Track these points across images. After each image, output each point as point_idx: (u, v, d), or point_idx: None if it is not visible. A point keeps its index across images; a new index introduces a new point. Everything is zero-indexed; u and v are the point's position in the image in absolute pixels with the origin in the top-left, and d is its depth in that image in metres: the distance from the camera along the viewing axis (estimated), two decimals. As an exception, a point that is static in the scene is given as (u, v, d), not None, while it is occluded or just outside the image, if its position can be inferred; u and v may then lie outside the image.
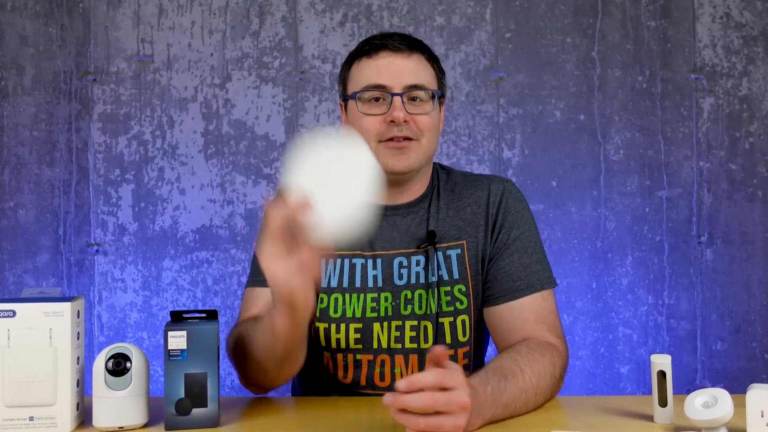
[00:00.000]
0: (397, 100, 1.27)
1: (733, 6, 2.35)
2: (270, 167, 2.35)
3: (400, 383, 0.91)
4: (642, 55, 2.35)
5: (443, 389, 0.93)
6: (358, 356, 1.32)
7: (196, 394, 1.05)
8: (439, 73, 1.37)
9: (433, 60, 1.36)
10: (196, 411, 1.06)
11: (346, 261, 1.33)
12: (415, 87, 1.29)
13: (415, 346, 1.31)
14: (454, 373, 0.95)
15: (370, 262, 1.33)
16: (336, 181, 0.96)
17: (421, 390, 0.92)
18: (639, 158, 2.35)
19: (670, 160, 2.35)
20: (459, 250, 1.33)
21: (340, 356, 1.33)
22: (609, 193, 2.34)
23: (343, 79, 1.37)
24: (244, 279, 2.32)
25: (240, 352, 1.20)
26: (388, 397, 0.91)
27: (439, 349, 0.95)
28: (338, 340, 1.32)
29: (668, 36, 2.36)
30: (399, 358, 1.32)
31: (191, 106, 2.36)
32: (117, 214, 2.35)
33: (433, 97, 1.31)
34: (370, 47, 1.31)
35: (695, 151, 2.35)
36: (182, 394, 1.05)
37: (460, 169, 1.46)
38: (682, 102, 2.35)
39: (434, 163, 1.43)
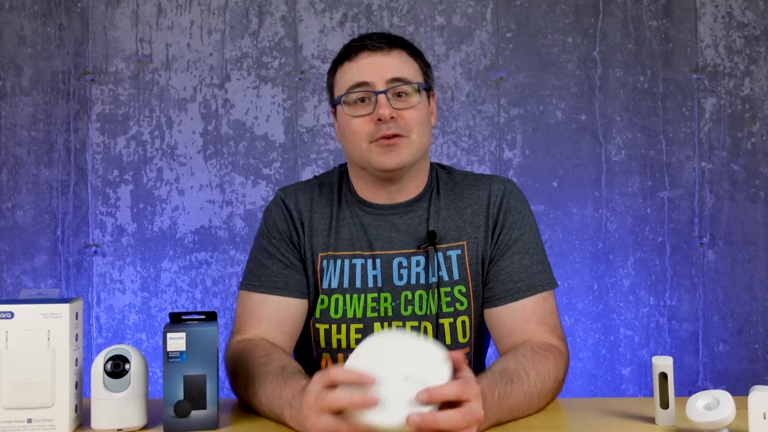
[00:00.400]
0: (381, 97, 1.26)
1: (735, 6, 2.34)
2: (269, 168, 2.34)
3: (421, 395, 0.89)
4: (643, 55, 2.34)
5: (461, 401, 0.92)
6: None
7: (195, 396, 1.04)
8: (424, 66, 1.35)
9: (415, 54, 1.34)
10: (195, 413, 1.05)
11: (346, 261, 1.33)
12: (398, 80, 1.28)
13: None
14: (471, 384, 0.94)
15: (369, 262, 1.32)
16: (403, 382, 0.92)
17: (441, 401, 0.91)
18: (640, 159, 2.33)
19: (672, 160, 2.33)
20: (459, 251, 1.31)
21: (340, 356, 1.32)
22: (610, 193, 2.33)
23: (330, 86, 1.37)
24: (243, 280, 2.31)
25: (239, 381, 1.19)
26: (415, 417, 0.88)
27: (457, 355, 0.94)
28: (339, 341, 1.31)
29: (670, 36, 2.35)
30: None
31: (190, 107, 2.35)
32: (115, 215, 2.33)
33: (418, 90, 1.30)
34: (350, 50, 1.31)
35: (697, 152, 2.33)
36: (181, 396, 1.04)
37: (461, 169, 1.45)
38: (684, 102, 2.34)
39: (434, 162, 1.42)
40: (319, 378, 0.96)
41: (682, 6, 2.35)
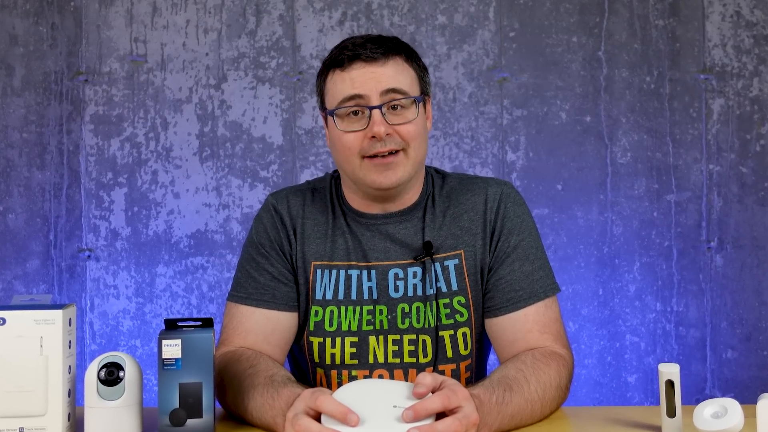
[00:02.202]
0: (376, 113, 1.21)
1: (743, 4, 2.29)
2: (267, 170, 2.29)
3: (407, 414, 0.92)
4: (650, 55, 2.29)
5: (454, 409, 0.94)
6: (354, 372, 1.28)
7: (190, 404, 1.04)
8: (421, 71, 1.30)
9: (411, 59, 1.29)
10: (190, 422, 1.04)
11: (342, 272, 1.29)
12: (394, 90, 1.22)
13: (414, 360, 1.27)
14: (456, 391, 0.95)
15: (364, 273, 1.28)
16: (392, 408, 0.95)
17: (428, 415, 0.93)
18: (647, 161, 2.29)
19: (679, 162, 2.29)
20: (457, 261, 1.28)
21: (334, 373, 1.29)
22: (616, 196, 2.28)
23: (320, 90, 1.31)
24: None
25: (227, 393, 1.17)
26: (414, 431, 0.90)
27: (421, 388, 0.96)
28: (333, 355, 1.28)
29: (677, 35, 2.30)
30: (398, 373, 1.28)
31: (186, 108, 2.30)
32: (109, 219, 2.29)
33: (415, 102, 1.25)
34: (342, 58, 1.24)
35: (705, 154, 2.29)
36: (177, 404, 1.04)
37: (456, 172, 1.41)
38: (692, 103, 2.29)
39: (428, 167, 1.37)
40: (306, 398, 0.97)
41: (690, 5, 2.30)
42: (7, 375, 1.05)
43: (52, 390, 1.06)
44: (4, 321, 1.05)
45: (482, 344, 1.33)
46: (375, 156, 1.22)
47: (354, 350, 1.27)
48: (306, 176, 2.29)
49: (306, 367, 1.33)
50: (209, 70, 2.31)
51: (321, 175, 1.45)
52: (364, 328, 1.27)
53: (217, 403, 1.11)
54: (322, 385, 1.30)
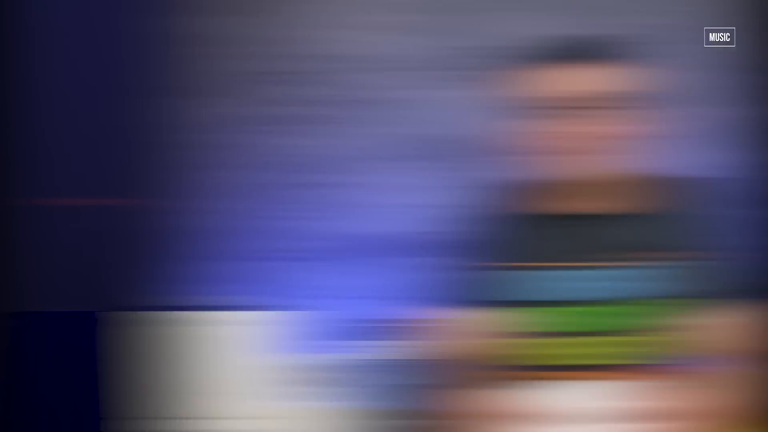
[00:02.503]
0: (581, 115, 1.20)
1: None
2: (464, 171, 2.28)
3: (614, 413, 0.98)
4: None
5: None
6: (556, 373, 1.27)
7: None
8: (638, 75, 1.27)
9: (628, 61, 1.26)
10: None
11: (547, 273, 1.28)
12: (602, 93, 1.21)
13: (620, 362, 1.26)
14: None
15: (571, 274, 1.27)
16: None
17: None
18: None
19: None
20: (666, 262, 1.26)
21: (536, 374, 1.28)
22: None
23: (524, 88, 1.30)
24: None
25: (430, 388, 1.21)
26: None
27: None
28: (536, 357, 1.27)
29: None
30: (604, 376, 1.26)
31: (383, 108, 2.30)
32: (316, 219, 2.29)
33: (625, 104, 1.23)
34: (550, 57, 1.24)
35: None
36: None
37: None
38: None
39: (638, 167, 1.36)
40: (507, 398, 1.03)
41: None
42: (213, 376, 1.09)
43: (260, 391, 1.12)
44: (211, 322, 1.09)
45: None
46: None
47: (560, 351, 1.26)
48: (505, 176, 2.29)
49: (506, 368, 1.31)
50: (408, 69, 2.31)
51: (521, 175, 1.44)
52: (570, 329, 1.26)
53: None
54: (523, 386, 1.28)
